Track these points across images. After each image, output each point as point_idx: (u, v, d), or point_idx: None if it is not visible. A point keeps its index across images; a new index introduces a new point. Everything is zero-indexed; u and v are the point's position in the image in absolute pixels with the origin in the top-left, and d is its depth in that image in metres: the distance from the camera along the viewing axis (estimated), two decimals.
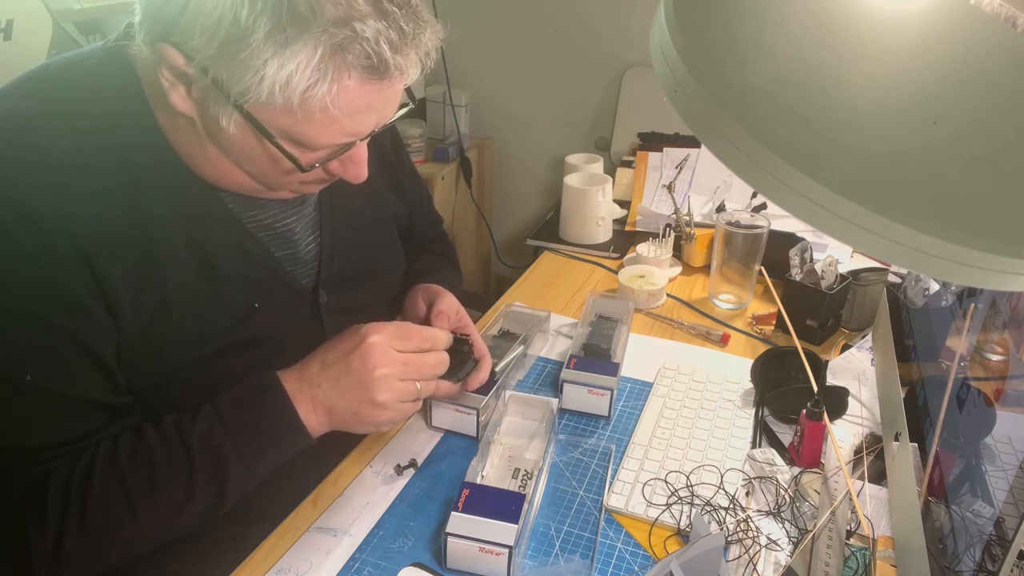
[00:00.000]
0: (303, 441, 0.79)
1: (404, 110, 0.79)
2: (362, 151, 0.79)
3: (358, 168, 0.79)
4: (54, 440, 0.73)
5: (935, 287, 0.97)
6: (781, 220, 1.38)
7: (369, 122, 0.74)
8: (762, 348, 1.19)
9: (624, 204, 1.72)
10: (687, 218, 1.49)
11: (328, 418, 0.79)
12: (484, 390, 0.98)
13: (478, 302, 0.97)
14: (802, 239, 1.33)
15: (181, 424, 0.76)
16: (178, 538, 0.79)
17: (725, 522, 0.86)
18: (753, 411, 1.05)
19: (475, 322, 1.04)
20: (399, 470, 0.94)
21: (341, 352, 0.80)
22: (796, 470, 0.92)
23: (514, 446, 0.97)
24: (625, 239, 1.61)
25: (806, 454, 0.93)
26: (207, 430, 0.76)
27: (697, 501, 0.89)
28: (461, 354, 0.91)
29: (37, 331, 0.70)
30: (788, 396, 1.01)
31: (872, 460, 0.94)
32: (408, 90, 0.78)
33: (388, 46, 0.68)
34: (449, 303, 0.99)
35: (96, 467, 0.73)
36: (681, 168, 1.73)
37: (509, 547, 0.77)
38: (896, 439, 0.87)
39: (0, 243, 0.68)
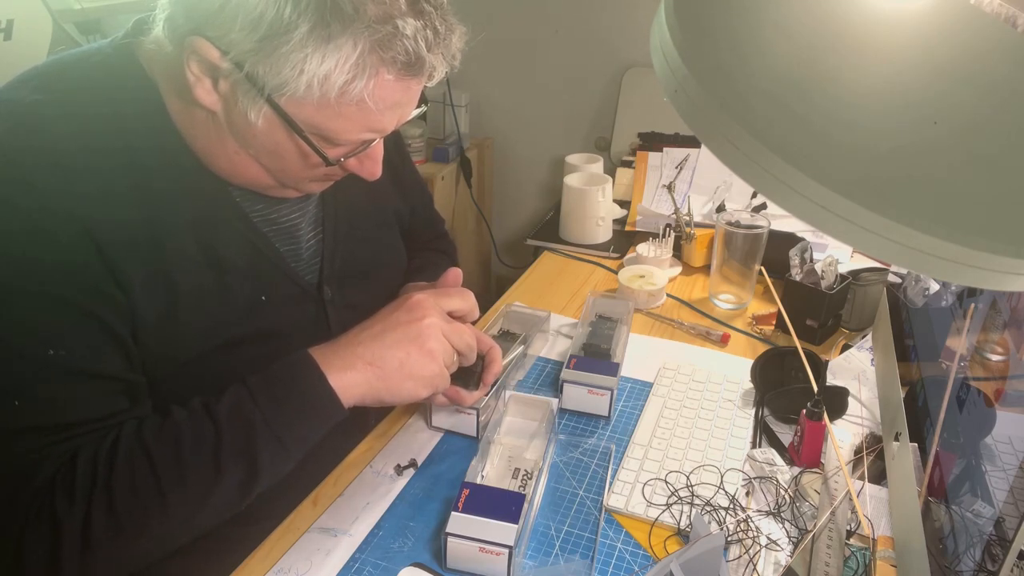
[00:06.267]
0: (333, 408, 0.77)
1: (421, 109, 0.81)
2: (380, 148, 0.82)
3: (374, 165, 0.82)
4: (79, 417, 0.73)
5: (935, 287, 0.97)
6: (781, 220, 1.38)
7: (393, 118, 0.77)
8: (762, 348, 1.19)
9: (624, 204, 1.72)
10: (687, 218, 1.49)
11: (367, 373, 0.78)
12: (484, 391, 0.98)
13: (478, 302, 0.98)
14: (802, 239, 1.33)
15: (208, 402, 0.76)
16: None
17: (725, 522, 0.86)
18: (753, 411, 1.05)
19: (475, 322, 1.04)
20: (399, 470, 0.94)
21: (384, 313, 0.83)
22: (796, 470, 0.92)
23: (514, 446, 0.97)
24: (625, 239, 1.61)
25: (806, 454, 0.93)
26: (235, 401, 0.76)
27: (697, 501, 0.89)
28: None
29: (56, 309, 0.70)
30: (788, 396, 1.01)
31: (872, 460, 0.94)
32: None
33: (424, 44, 0.71)
34: None
35: (122, 443, 0.73)
36: (681, 168, 1.73)
37: (509, 547, 0.78)
38: (896, 439, 0.87)
39: (17, 226, 0.69)
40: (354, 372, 0.78)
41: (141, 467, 0.72)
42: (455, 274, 0.95)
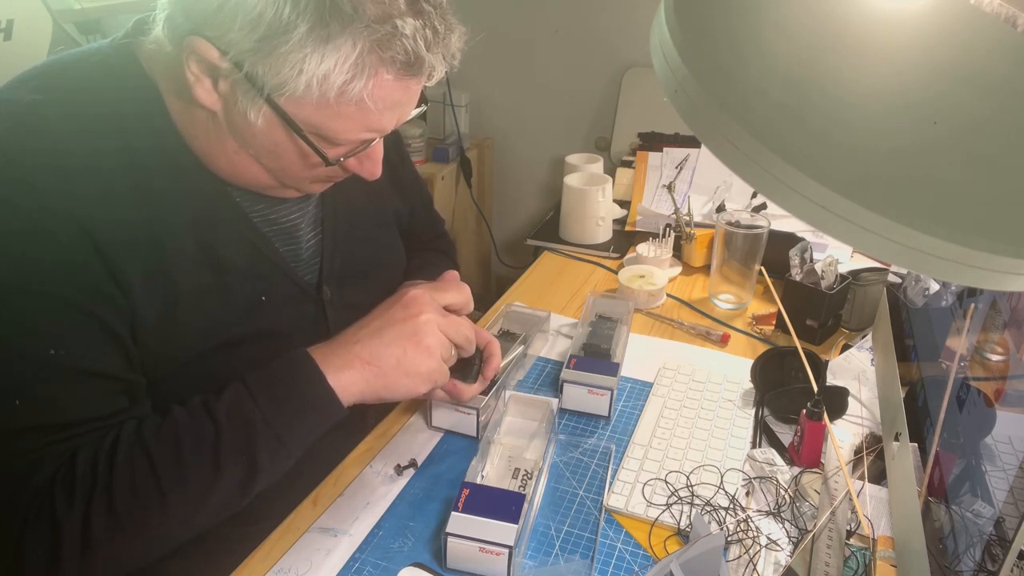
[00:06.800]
0: (332, 408, 0.77)
1: (420, 110, 0.81)
2: (380, 148, 0.82)
3: (373, 165, 0.82)
4: (79, 417, 0.73)
5: (935, 287, 0.98)
6: (781, 220, 1.38)
7: (393, 118, 0.77)
8: (762, 348, 1.19)
9: (624, 204, 1.72)
10: (687, 218, 1.49)
11: (364, 372, 0.78)
12: (484, 390, 0.98)
13: (478, 302, 0.98)
14: (802, 239, 1.33)
15: (208, 400, 0.76)
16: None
17: (725, 522, 0.86)
18: (753, 411, 1.05)
19: (475, 322, 1.04)
20: (399, 470, 0.94)
21: (380, 310, 0.83)
22: (796, 470, 0.92)
23: (514, 446, 0.97)
24: (625, 239, 1.61)
25: (806, 454, 0.93)
26: (234, 400, 0.75)
27: (697, 501, 0.89)
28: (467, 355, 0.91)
29: (56, 308, 0.70)
30: (788, 396, 1.01)
31: (872, 460, 0.94)
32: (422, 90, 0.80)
33: (423, 43, 0.72)
34: None
35: (121, 443, 0.73)
36: (681, 168, 1.73)
37: (509, 547, 0.78)
38: (896, 439, 0.87)
39: (17, 226, 0.69)
40: (352, 371, 0.78)
41: (141, 467, 0.72)
42: (452, 277, 0.95)
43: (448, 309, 0.87)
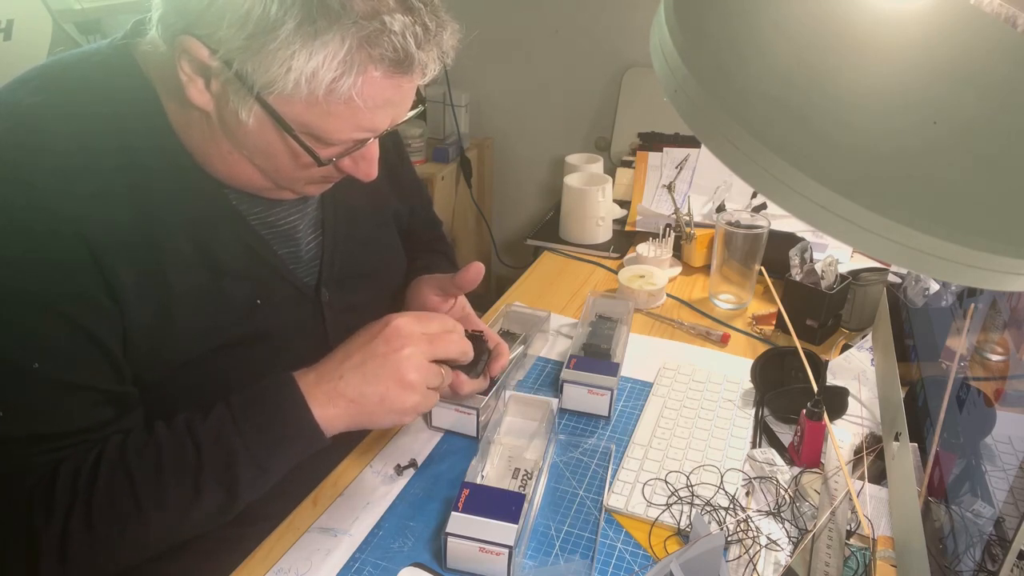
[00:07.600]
0: (316, 440, 0.77)
1: (417, 110, 0.81)
2: (375, 149, 0.81)
3: (369, 166, 0.81)
4: (63, 430, 0.72)
5: (935, 287, 0.98)
6: (781, 220, 1.38)
7: (386, 118, 0.76)
8: (762, 348, 1.19)
9: (624, 204, 1.72)
10: (687, 218, 1.49)
11: (349, 409, 0.77)
12: (484, 390, 0.98)
13: (478, 302, 0.98)
14: (802, 239, 1.33)
15: (192, 421, 0.75)
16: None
17: (725, 522, 0.86)
18: (753, 411, 1.05)
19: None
20: (399, 470, 0.94)
21: (363, 340, 0.80)
22: (796, 470, 0.92)
23: (514, 446, 0.97)
24: (625, 239, 1.61)
25: (806, 454, 0.93)
26: (218, 426, 0.75)
27: (697, 501, 0.89)
28: (476, 349, 0.90)
29: (45, 318, 0.70)
30: (788, 396, 1.01)
31: (872, 460, 0.94)
32: (417, 90, 0.79)
33: (413, 40, 0.71)
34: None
35: (104, 460, 0.73)
36: (681, 168, 1.73)
37: (509, 547, 0.78)
38: (896, 439, 0.87)
39: (15, 226, 0.68)
40: (336, 408, 0.77)
41: (121, 486, 0.72)
42: (477, 268, 0.93)
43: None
